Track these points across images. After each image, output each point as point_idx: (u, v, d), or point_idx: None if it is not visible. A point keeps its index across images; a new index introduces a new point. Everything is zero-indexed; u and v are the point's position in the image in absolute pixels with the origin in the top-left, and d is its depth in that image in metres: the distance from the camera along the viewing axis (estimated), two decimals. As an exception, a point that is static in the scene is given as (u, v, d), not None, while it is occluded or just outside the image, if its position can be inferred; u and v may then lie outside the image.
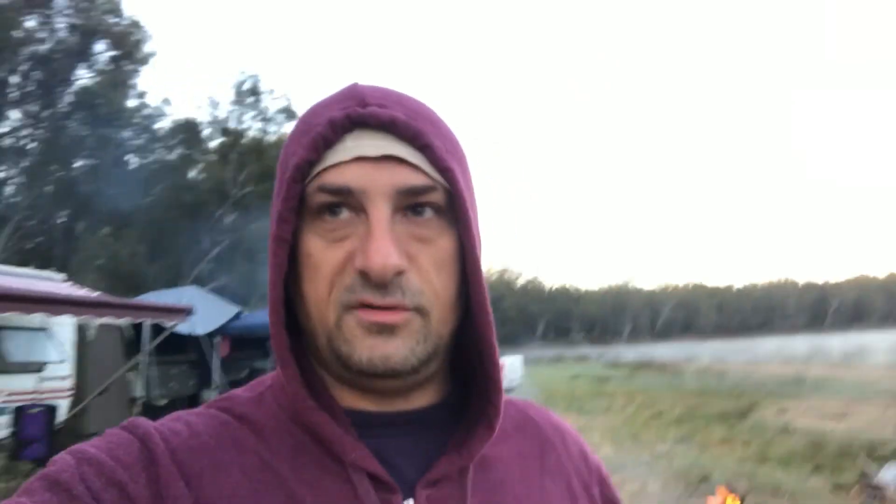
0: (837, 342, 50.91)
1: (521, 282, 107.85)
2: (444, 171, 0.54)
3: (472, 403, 0.61)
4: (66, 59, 24.72)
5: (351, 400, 0.58)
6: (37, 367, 8.41)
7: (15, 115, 25.01)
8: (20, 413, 7.35)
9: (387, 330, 0.52)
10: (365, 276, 0.51)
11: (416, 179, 0.53)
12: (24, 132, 25.30)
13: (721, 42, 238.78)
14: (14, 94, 24.42)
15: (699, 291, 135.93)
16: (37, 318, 7.65)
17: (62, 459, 0.50)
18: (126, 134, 27.26)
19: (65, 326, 8.85)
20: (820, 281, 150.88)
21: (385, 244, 0.50)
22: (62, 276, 10.13)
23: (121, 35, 26.15)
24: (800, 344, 51.50)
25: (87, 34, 24.95)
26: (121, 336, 10.63)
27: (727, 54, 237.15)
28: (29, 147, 25.39)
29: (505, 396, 0.68)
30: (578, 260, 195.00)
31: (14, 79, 24.24)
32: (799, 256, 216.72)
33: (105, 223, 26.48)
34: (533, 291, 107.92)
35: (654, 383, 21.90)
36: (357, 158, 0.52)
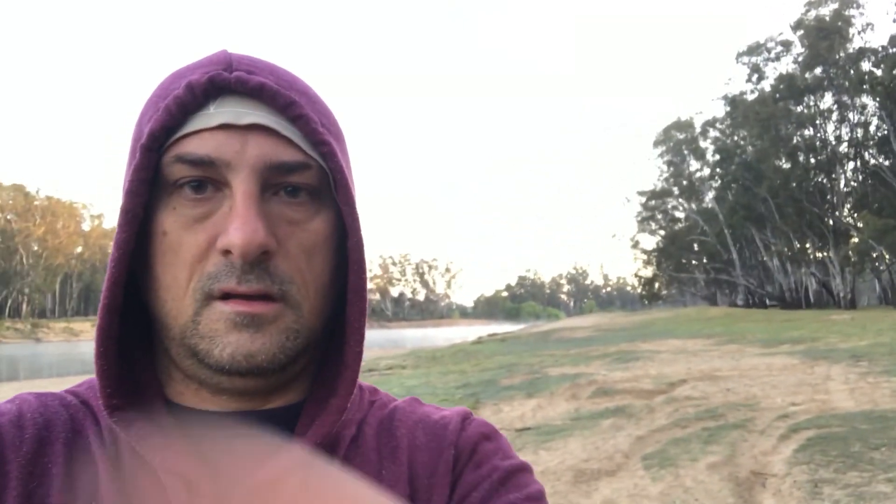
0: None
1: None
2: (320, 144, 0.50)
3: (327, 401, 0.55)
4: None
5: (197, 399, 0.52)
6: None
7: None
8: None
9: (254, 323, 0.48)
10: (229, 259, 0.47)
11: (288, 154, 0.49)
12: None
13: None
14: None
15: None
16: None
17: None
18: None
19: None
20: None
21: (251, 219, 0.46)
22: None
23: None
24: None
25: None
26: None
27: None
28: None
29: (380, 392, 0.61)
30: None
31: None
32: None
33: None
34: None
35: None
36: (221, 126, 0.48)
